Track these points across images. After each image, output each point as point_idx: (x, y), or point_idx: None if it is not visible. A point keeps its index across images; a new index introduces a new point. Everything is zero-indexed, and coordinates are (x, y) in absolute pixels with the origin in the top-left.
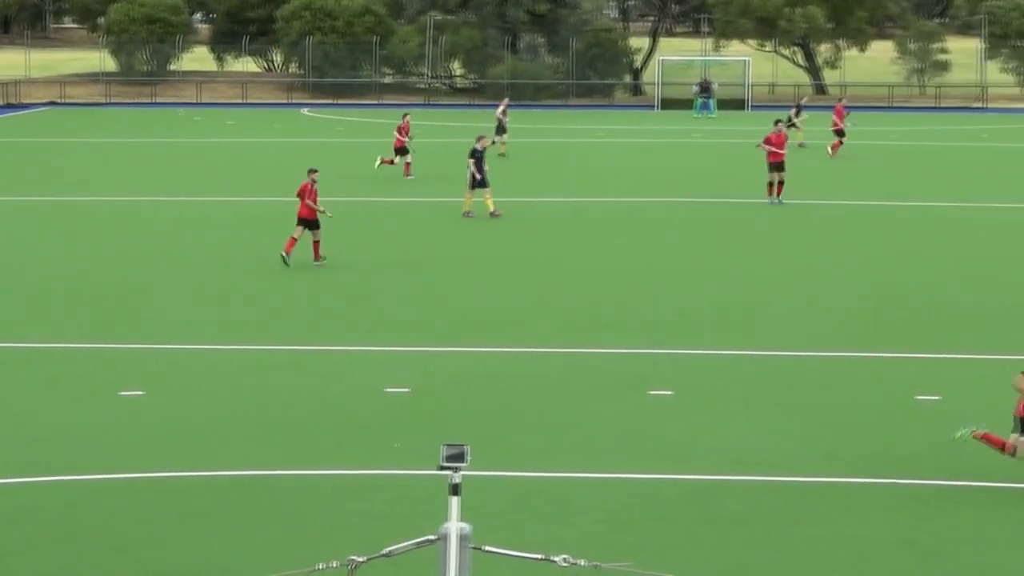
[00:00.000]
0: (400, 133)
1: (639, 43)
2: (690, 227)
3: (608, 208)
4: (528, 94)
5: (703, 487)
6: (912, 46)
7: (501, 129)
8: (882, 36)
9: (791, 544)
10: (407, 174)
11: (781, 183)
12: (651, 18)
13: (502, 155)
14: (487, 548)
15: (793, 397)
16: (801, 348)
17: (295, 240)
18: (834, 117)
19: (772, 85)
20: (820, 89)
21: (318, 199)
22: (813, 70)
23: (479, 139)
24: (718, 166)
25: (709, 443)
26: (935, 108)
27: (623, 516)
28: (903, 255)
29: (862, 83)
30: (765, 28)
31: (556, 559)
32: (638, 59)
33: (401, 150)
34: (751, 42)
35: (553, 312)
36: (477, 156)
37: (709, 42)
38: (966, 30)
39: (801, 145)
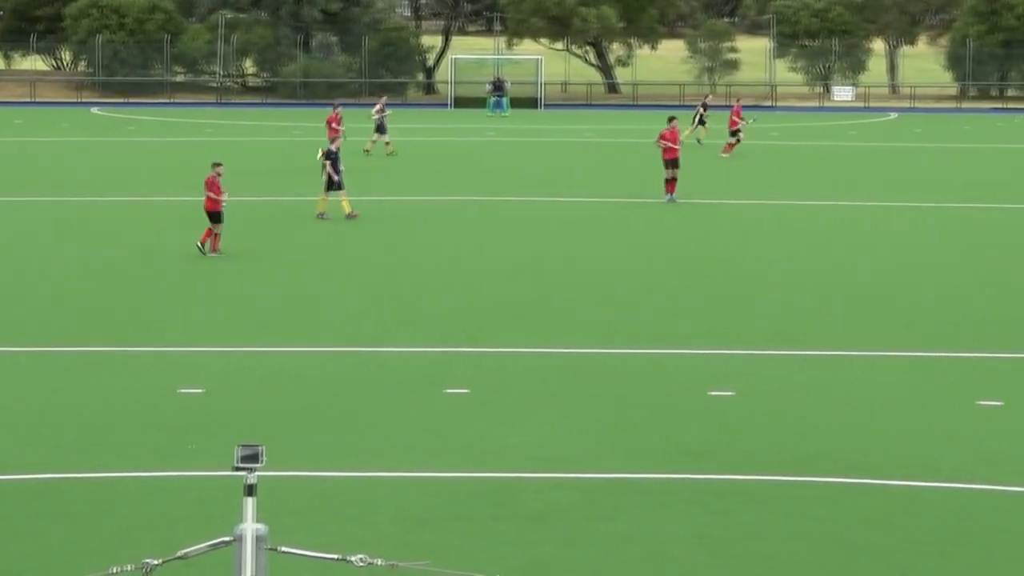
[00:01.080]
0: (331, 124)
1: (432, 41)
2: (487, 225)
3: (406, 207)
4: (321, 93)
5: (501, 484)
6: (703, 45)
7: (381, 129)
8: (673, 35)
9: (588, 540)
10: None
11: (674, 180)
12: (443, 17)
13: (390, 154)
14: (283, 549)
15: (589, 394)
16: (597, 345)
17: (211, 232)
18: (732, 117)
19: (565, 84)
20: (612, 88)
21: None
22: (605, 69)
23: (333, 139)
24: (513, 164)
25: (506, 440)
26: (726, 106)
27: (422, 515)
28: (703, 253)
29: (654, 82)
30: (557, 27)
31: (352, 559)
32: (431, 57)
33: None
34: (544, 41)
35: (348, 311)
36: (332, 157)
37: (502, 41)
38: (755, 29)
39: (699, 142)
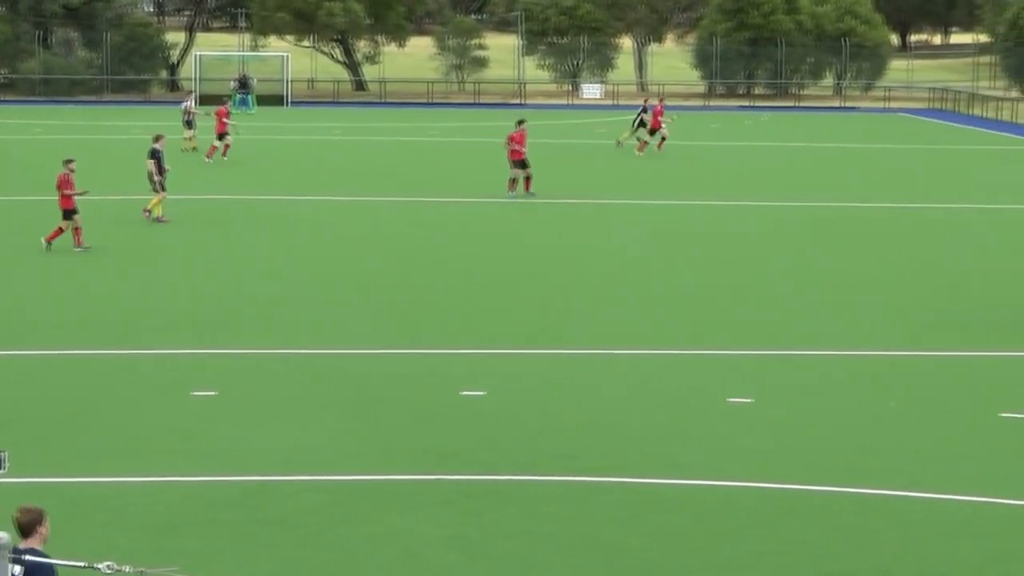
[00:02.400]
0: (220, 117)
1: (176, 38)
2: (237, 225)
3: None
4: (62, 90)
5: (251, 488)
6: (451, 42)
7: (190, 124)
8: (421, 32)
9: (342, 542)
10: (223, 154)
11: (528, 178)
12: (187, 13)
13: (193, 150)
14: (26, 557)
15: (340, 395)
16: (348, 346)
17: (61, 231)
18: (657, 117)
19: (311, 81)
20: (360, 85)
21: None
22: (352, 66)
23: (157, 139)
24: (260, 162)
25: (257, 444)
26: (474, 104)
27: (172, 520)
28: (457, 253)
29: (402, 79)
30: (303, 23)
31: (99, 566)
32: (175, 54)
33: (222, 135)
34: (290, 38)
35: (96, 313)
36: (157, 157)
37: (247, 37)
38: (504, 26)
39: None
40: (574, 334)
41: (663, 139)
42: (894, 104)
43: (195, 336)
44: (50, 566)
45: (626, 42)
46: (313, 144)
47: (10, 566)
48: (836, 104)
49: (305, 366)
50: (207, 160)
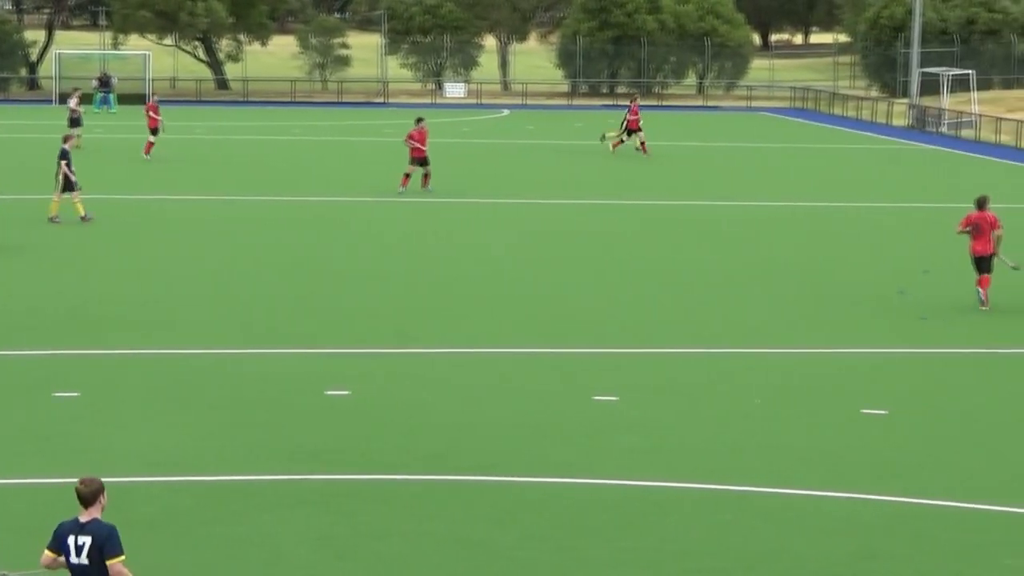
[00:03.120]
0: (150, 113)
1: (35, 36)
2: (105, 224)
3: (11, 207)
4: None
5: (114, 490)
6: (314, 41)
7: (76, 122)
8: (283, 31)
9: (208, 544)
10: (148, 153)
11: (427, 175)
12: (47, 11)
13: (77, 147)
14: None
15: (205, 396)
16: (212, 346)
17: None
18: (629, 116)
19: (174, 79)
20: (222, 84)
21: None
22: (215, 65)
23: (66, 139)
24: (123, 162)
25: (120, 445)
26: (338, 103)
27: (32, 523)
28: (317, 252)
29: (265, 78)
30: (165, 22)
31: None
32: (34, 52)
33: (154, 131)
34: (151, 36)
35: None
36: (68, 157)
37: (108, 35)
38: (367, 25)
39: (602, 139)
40: (440, 333)
41: (599, 139)
42: (756, 103)
43: (58, 337)
44: (114, 530)
45: (489, 41)
46: (176, 143)
47: (82, 536)
48: (699, 103)
49: (169, 367)
50: (145, 157)
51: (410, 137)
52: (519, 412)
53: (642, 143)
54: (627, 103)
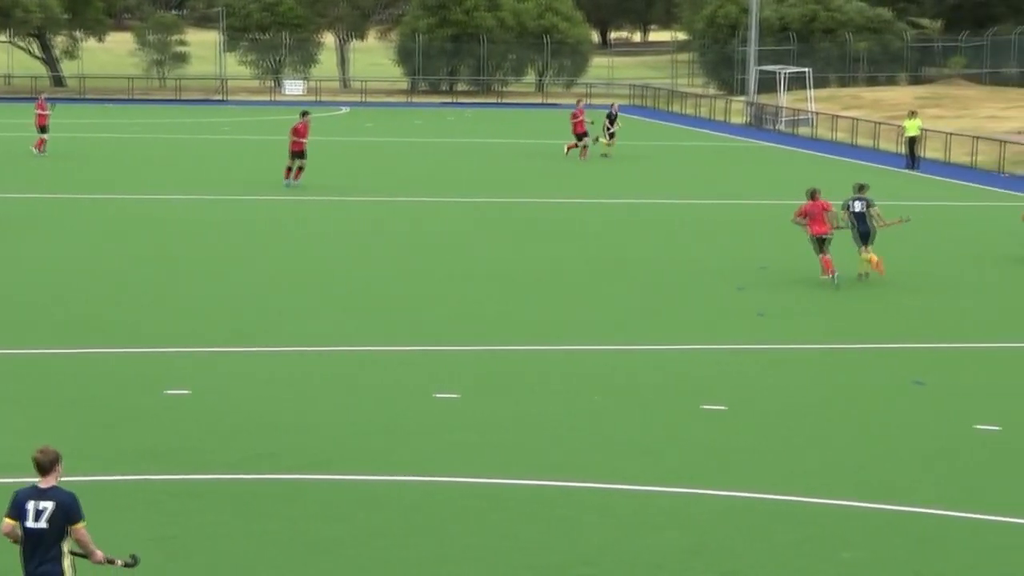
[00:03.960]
0: (40, 109)
1: None
2: None
3: None
4: None
5: None
6: (151, 38)
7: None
8: (120, 27)
9: None
10: (41, 150)
11: (301, 169)
12: None
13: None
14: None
15: (38, 396)
16: (45, 346)
17: None
18: (574, 120)
19: (8, 76)
20: (58, 81)
21: None
22: (51, 61)
23: None
24: None
25: None
26: (176, 100)
27: None
28: (152, 250)
29: (102, 75)
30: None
31: None
32: None
33: (43, 128)
34: None
35: None
36: None
37: None
38: (205, 22)
39: (605, 156)
40: (281, 332)
41: (576, 144)
42: (596, 101)
43: None
44: (75, 496)
45: (328, 38)
46: (9, 141)
47: (43, 502)
48: (538, 101)
49: (3, 367)
50: (38, 152)
51: (295, 130)
52: (358, 411)
53: (584, 147)
54: (610, 107)
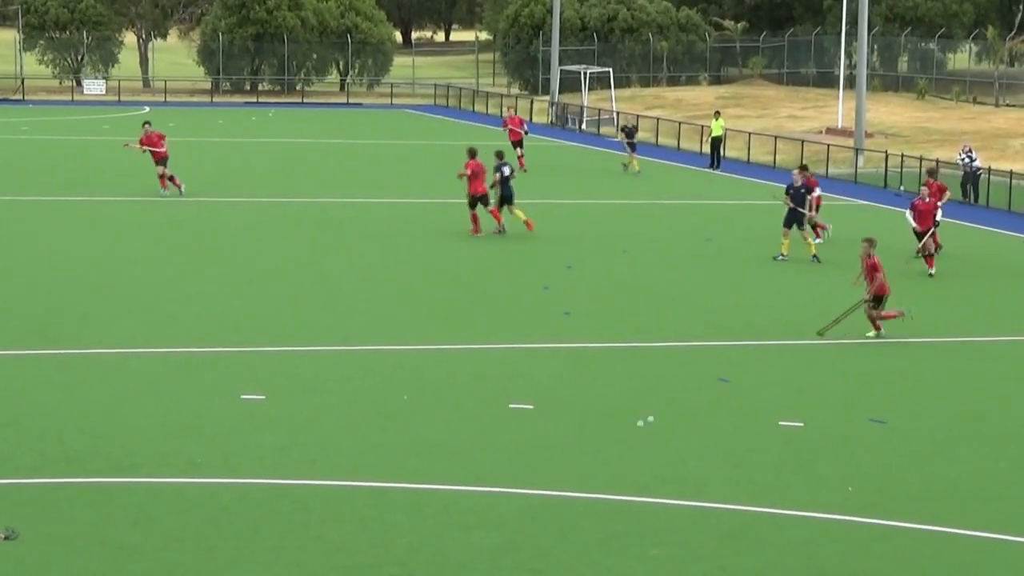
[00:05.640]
0: None
1: None
2: None
3: None
4: None
5: None
6: None
7: None
8: None
9: None
10: None
11: (171, 177)
12: None
13: None
14: None
15: None
16: None
17: None
18: (513, 127)
19: None
20: None
21: None
22: None
23: None
24: None
25: None
26: None
27: None
28: None
29: None
30: None
31: None
32: None
33: None
34: None
35: None
36: None
37: None
38: (2, 20)
39: (634, 171)
40: (83, 334)
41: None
42: (399, 100)
43: None
44: None
45: (130, 37)
46: None
47: None
48: (342, 100)
49: None
50: None
51: (148, 142)
52: (164, 413)
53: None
54: (625, 125)
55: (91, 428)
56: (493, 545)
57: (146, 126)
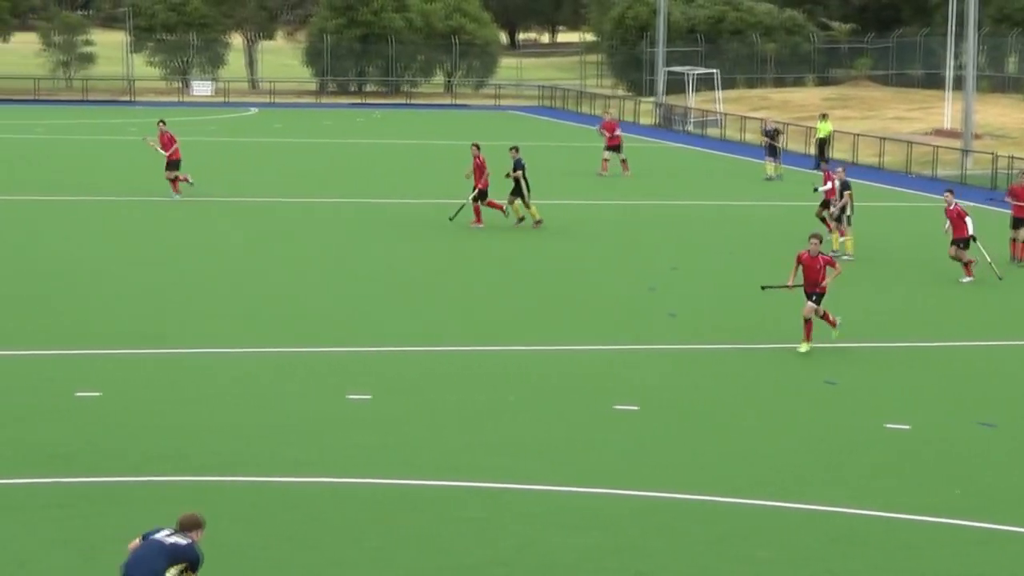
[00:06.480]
0: None
1: None
2: None
3: None
4: None
5: None
6: (57, 38)
7: None
8: (25, 28)
9: None
10: None
11: (178, 179)
12: None
13: None
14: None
15: None
16: None
17: None
18: (612, 132)
19: None
20: None
21: None
22: None
23: None
24: None
25: None
26: (83, 101)
27: None
28: (56, 252)
29: (7, 75)
30: None
31: None
32: None
33: None
34: None
35: None
36: None
37: None
38: (111, 22)
39: (769, 175)
40: (189, 334)
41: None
42: (504, 102)
43: None
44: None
45: (236, 39)
46: None
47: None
48: (447, 102)
49: None
50: None
51: (171, 140)
52: (269, 413)
53: (623, 160)
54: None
55: (196, 426)
56: (598, 546)
57: (160, 125)
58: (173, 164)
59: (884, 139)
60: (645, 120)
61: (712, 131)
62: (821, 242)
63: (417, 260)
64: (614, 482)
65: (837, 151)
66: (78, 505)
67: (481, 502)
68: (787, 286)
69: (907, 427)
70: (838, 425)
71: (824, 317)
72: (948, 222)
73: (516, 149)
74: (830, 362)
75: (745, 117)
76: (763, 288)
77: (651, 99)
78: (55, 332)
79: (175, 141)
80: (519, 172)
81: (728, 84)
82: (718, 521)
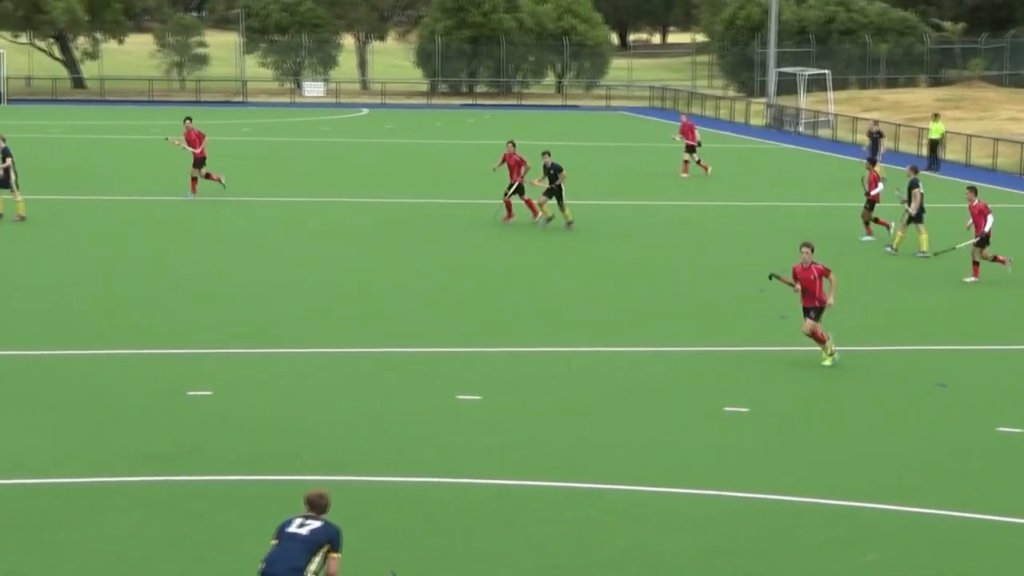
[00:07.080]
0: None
1: None
2: None
3: None
4: None
5: None
6: (171, 40)
7: None
8: (140, 29)
9: (63, 546)
10: None
11: (200, 178)
12: None
13: None
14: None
15: (59, 398)
16: (65, 347)
17: None
18: (685, 133)
19: (29, 78)
20: (79, 83)
21: None
22: (71, 63)
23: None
24: None
25: None
26: (196, 102)
27: None
28: (167, 251)
29: (122, 76)
30: (20, 19)
31: None
32: None
33: None
34: (6, 34)
35: None
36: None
37: None
38: (224, 24)
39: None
40: (299, 333)
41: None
42: (615, 103)
43: None
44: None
45: (348, 40)
46: (32, 142)
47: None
48: (558, 103)
49: (21, 367)
50: None
51: (199, 137)
52: (378, 412)
53: (699, 161)
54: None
55: (306, 426)
56: (709, 547)
57: (187, 122)
58: (199, 162)
59: (998, 140)
60: (756, 121)
61: (823, 132)
62: (812, 251)
63: (520, 258)
64: (723, 484)
65: (950, 152)
66: (185, 504)
67: (590, 503)
68: (791, 284)
69: (1020, 431)
70: (949, 428)
71: (813, 334)
72: (970, 219)
73: (548, 154)
74: (941, 364)
75: (856, 118)
76: (771, 277)
77: (762, 100)
78: (167, 331)
79: (204, 138)
80: (563, 175)
81: (839, 85)
82: (828, 524)
